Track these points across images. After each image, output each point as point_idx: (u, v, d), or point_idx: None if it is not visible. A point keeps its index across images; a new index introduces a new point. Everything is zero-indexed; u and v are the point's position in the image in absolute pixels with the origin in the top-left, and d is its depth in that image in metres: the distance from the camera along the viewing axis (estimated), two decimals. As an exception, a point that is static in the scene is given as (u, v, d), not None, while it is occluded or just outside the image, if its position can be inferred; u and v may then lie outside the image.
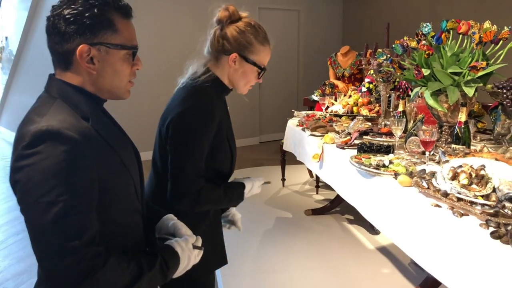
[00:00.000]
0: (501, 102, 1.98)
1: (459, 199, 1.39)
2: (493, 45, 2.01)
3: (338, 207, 3.67)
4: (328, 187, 4.37)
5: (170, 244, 1.02)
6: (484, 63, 1.81)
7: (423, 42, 1.87)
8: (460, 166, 1.52)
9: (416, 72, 1.85)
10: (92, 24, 0.88)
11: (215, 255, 1.46)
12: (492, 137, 2.39)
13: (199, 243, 1.09)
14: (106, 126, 0.95)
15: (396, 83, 3.23)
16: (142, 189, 1.08)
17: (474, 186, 1.42)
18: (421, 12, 5.45)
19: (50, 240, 0.79)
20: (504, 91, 1.84)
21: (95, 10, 0.88)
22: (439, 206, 1.43)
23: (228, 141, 1.41)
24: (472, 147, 1.99)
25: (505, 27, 1.96)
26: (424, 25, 2.01)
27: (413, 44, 1.99)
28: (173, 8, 5.56)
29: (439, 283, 2.15)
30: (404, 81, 3.15)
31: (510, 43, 1.95)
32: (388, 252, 2.87)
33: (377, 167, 1.89)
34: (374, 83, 4.13)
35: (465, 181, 1.43)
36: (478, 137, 2.42)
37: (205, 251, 1.12)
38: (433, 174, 1.67)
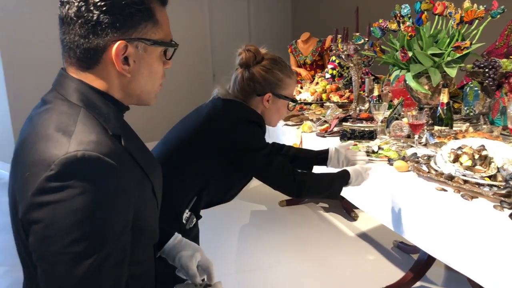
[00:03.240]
0: (481, 82, 1.98)
1: (465, 182, 1.36)
2: (467, 25, 2.01)
3: (311, 196, 3.64)
4: (297, 176, 4.34)
5: None
6: (468, 42, 1.80)
7: (408, 24, 1.83)
8: (460, 148, 1.49)
9: (403, 54, 1.80)
10: (131, 14, 0.69)
11: None
12: (463, 117, 2.43)
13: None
14: (137, 144, 0.76)
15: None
16: None
17: (478, 167, 1.39)
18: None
19: None
20: (486, 70, 1.84)
21: None
22: (445, 190, 1.39)
23: None
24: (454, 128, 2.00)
25: (480, 6, 1.97)
26: (403, 7, 1.97)
27: (394, 26, 1.95)
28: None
29: (429, 266, 2.15)
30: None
31: (484, 22, 1.96)
32: (369, 238, 2.87)
33: (367, 153, 1.84)
34: (337, 69, 4.13)
35: (469, 163, 1.40)
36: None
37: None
38: (429, 158, 1.64)
